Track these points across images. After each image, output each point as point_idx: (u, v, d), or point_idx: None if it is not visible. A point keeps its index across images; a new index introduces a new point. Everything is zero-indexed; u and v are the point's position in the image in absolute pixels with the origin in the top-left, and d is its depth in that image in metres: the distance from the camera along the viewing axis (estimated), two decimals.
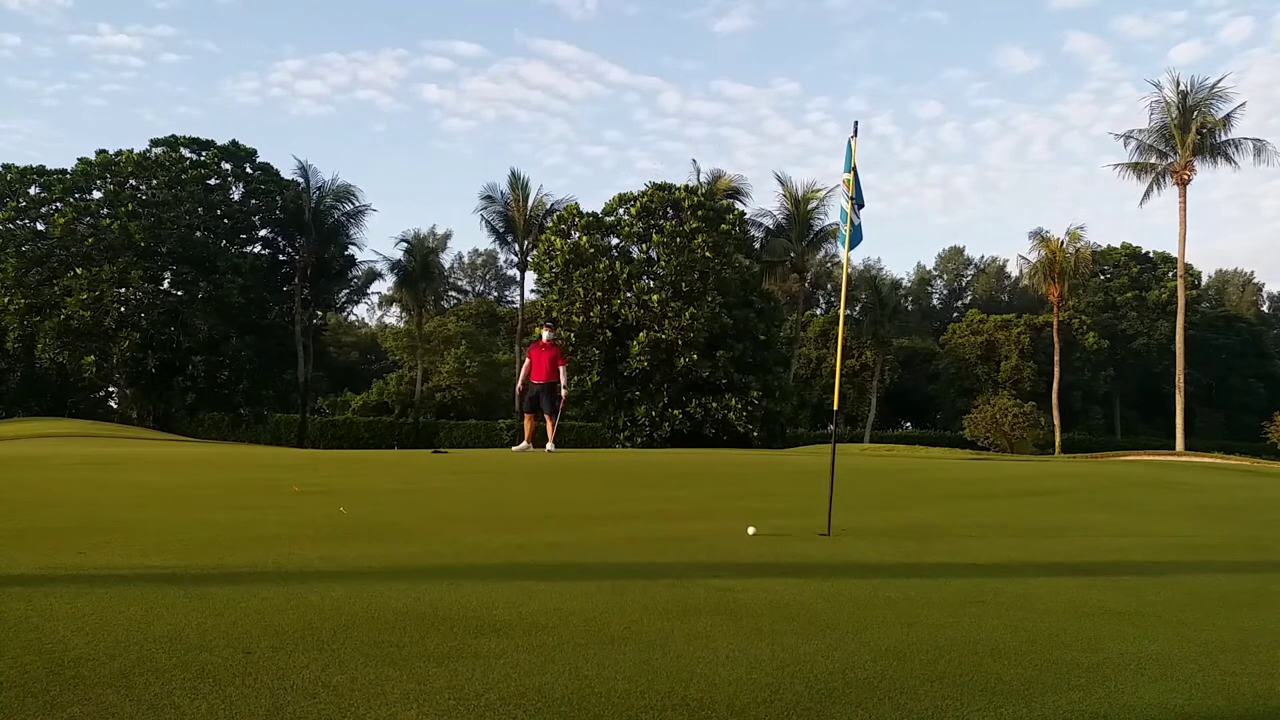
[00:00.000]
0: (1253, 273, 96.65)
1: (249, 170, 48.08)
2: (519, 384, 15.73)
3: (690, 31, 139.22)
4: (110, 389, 50.00)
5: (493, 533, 6.25)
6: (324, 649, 3.13)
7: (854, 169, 7.04)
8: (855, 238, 7.08)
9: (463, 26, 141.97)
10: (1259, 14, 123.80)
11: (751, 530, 6.25)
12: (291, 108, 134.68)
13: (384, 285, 62.23)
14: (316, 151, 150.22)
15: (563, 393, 15.16)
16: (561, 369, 15.10)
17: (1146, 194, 44.05)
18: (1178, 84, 42.89)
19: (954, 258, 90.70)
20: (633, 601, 4.07)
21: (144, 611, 3.57)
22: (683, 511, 8.11)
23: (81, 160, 45.58)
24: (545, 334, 15.57)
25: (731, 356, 39.30)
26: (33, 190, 45.54)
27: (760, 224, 50.53)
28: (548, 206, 49.53)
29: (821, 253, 53.41)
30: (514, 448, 15.24)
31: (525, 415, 15.66)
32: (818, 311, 71.81)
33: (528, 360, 15.44)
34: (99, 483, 8.79)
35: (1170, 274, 63.06)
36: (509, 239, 50.91)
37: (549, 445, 15.04)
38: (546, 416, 15.10)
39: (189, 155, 46.86)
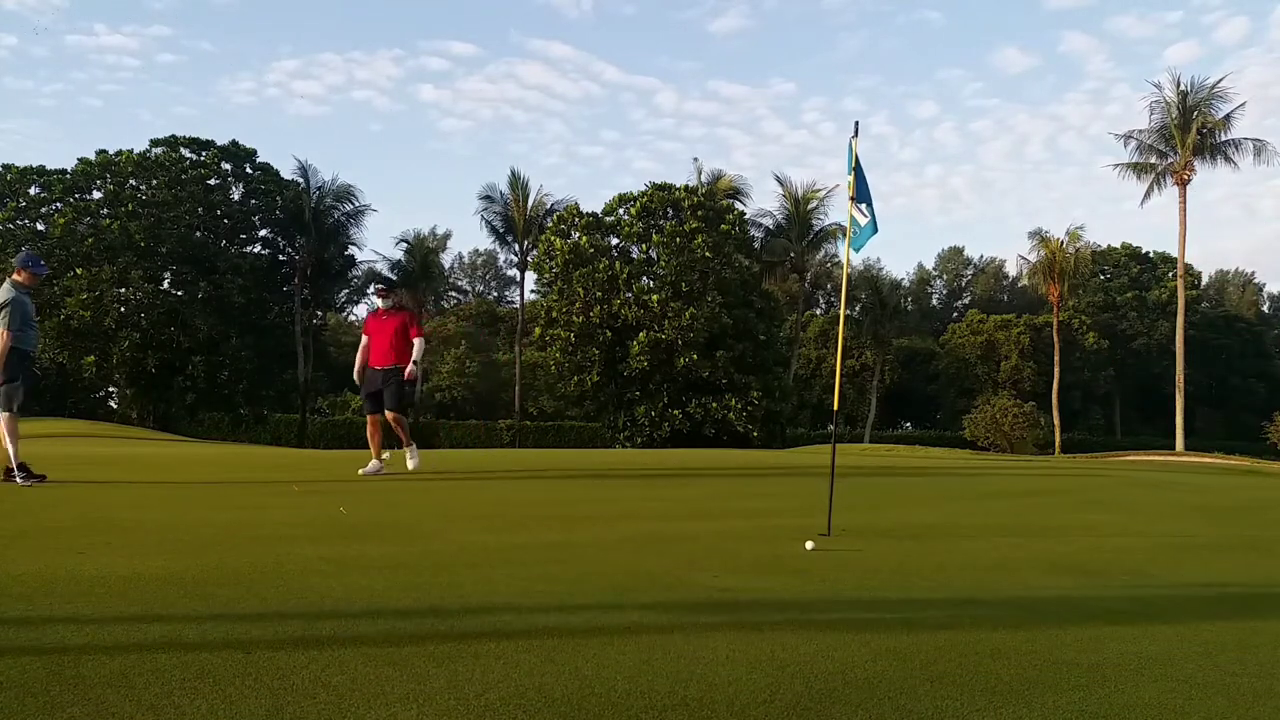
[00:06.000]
0: (1253, 273, 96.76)
1: (249, 170, 48.11)
2: (356, 371, 10.92)
3: (686, 31, 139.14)
4: (110, 389, 50.02)
5: (493, 533, 6.25)
6: (324, 649, 3.13)
7: (855, 167, 7.07)
8: (868, 233, 7.10)
9: (459, 26, 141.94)
10: (1254, 14, 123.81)
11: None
12: (288, 107, 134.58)
13: None
14: (314, 152, 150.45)
15: (412, 368, 10.37)
16: (415, 343, 10.44)
17: (1147, 194, 44.12)
18: (1178, 84, 42.93)
19: (953, 258, 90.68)
20: (633, 601, 4.07)
21: (145, 611, 3.57)
22: (683, 511, 8.12)
23: (81, 160, 45.61)
24: (381, 302, 10.93)
25: (731, 356, 39.31)
26: (33, 190, 45.58)
27: (760, 224, 50.62)
28: (547, 207, 49.57)
29: (821, 253, 53.48)
30: (360, 470, 10.35)
31: (368, 417, 10.76)
32: (818, 311, 71.82)
33: (364, 339, 10.84)
34: (98, 483, 8.79)
35: (1170, 274, 63.10)
36: (509, 239, 50.93)
37: (410, 457, 10.65)
38: (389, 414, 10.37)
39: (189, 155, 46.88)
